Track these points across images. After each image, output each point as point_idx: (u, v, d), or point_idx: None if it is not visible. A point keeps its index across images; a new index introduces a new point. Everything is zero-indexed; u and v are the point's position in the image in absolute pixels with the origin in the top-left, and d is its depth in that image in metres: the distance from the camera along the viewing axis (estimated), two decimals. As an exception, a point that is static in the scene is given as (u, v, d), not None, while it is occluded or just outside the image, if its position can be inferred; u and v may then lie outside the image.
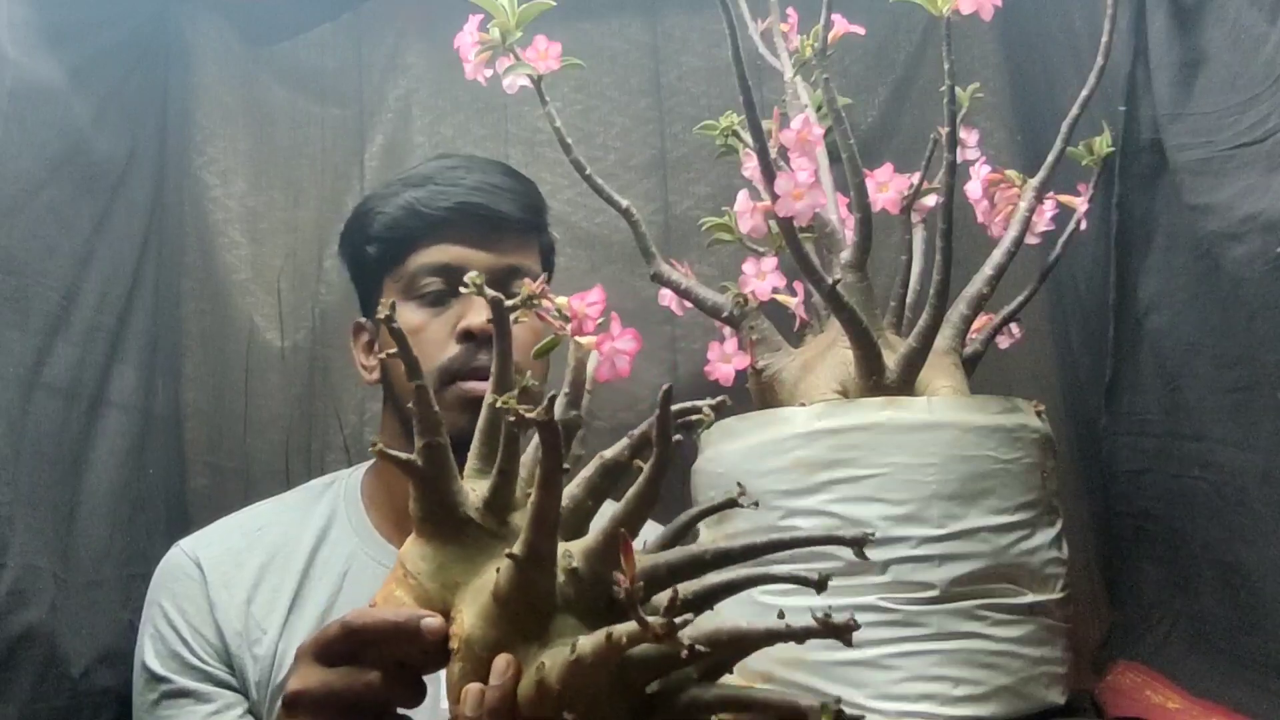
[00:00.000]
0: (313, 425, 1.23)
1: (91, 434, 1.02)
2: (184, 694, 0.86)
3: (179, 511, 1.17)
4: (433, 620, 0.56)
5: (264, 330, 1.24)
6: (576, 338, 0.70)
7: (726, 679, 0.76)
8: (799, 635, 0.50)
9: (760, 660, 0.77)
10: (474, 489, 0.58)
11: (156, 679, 0.87)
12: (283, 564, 0.92)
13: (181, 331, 1.23)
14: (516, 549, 0.53)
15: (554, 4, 0.82)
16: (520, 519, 0.58)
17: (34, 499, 0.90)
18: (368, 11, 1.30)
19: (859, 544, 0.53)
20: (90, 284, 1.03)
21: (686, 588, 0.54)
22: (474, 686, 0.54)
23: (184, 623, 0.89)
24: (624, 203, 0.87)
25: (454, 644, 0.55)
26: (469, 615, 0.55)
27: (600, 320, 0.73)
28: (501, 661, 0.54)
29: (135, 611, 0.94)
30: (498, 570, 0.55)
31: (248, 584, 0.91)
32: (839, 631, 0.48)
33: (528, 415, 0.52)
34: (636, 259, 0.90)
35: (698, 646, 0.49)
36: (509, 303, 0.60)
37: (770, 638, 0.51)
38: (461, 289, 0.62)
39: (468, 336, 0.90)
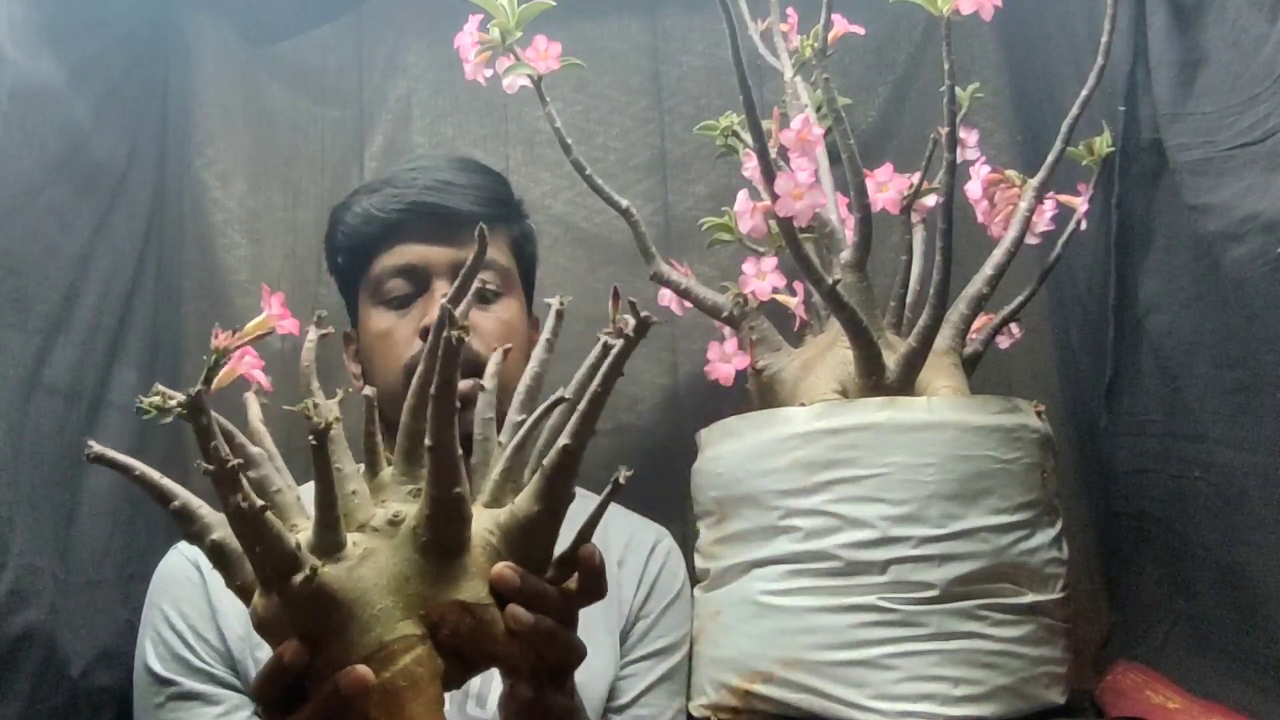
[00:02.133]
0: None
1: (91, 434, 1.01)
2: (191, 696, 0.86)
3: (179, 512, 1.17)
4: (290, 647, 0.54)
5: (264, 331, 1.24)
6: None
7: (720, 673, 0.76)
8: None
9: (760, 661, 0.78)
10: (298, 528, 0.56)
11: (162, 682, 0.87)
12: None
13: (181, 332, 1.23)
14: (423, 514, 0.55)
15: (554, 4, 0.82)
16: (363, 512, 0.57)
17: (34, 499, 0.89)
18: (368, 12, 1.30)
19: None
20: (90, 284, 1.03)
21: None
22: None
23: (186, 626, 0.89)
24: (624, 203, 0.87)
25: (463, 621, 0.55)
26: (460, 590, 0.55)
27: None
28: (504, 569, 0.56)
29: (135, 611, 0.94)
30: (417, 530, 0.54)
31: (247, 586, 0.91)
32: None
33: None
34: (636, 259, 0.90)
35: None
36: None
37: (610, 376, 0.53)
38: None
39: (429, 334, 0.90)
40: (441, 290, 0.91)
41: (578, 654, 0.61)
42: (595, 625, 0.91)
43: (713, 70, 1.26)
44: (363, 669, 0.52)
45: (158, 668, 0.88)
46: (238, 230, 1.26)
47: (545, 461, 0.56)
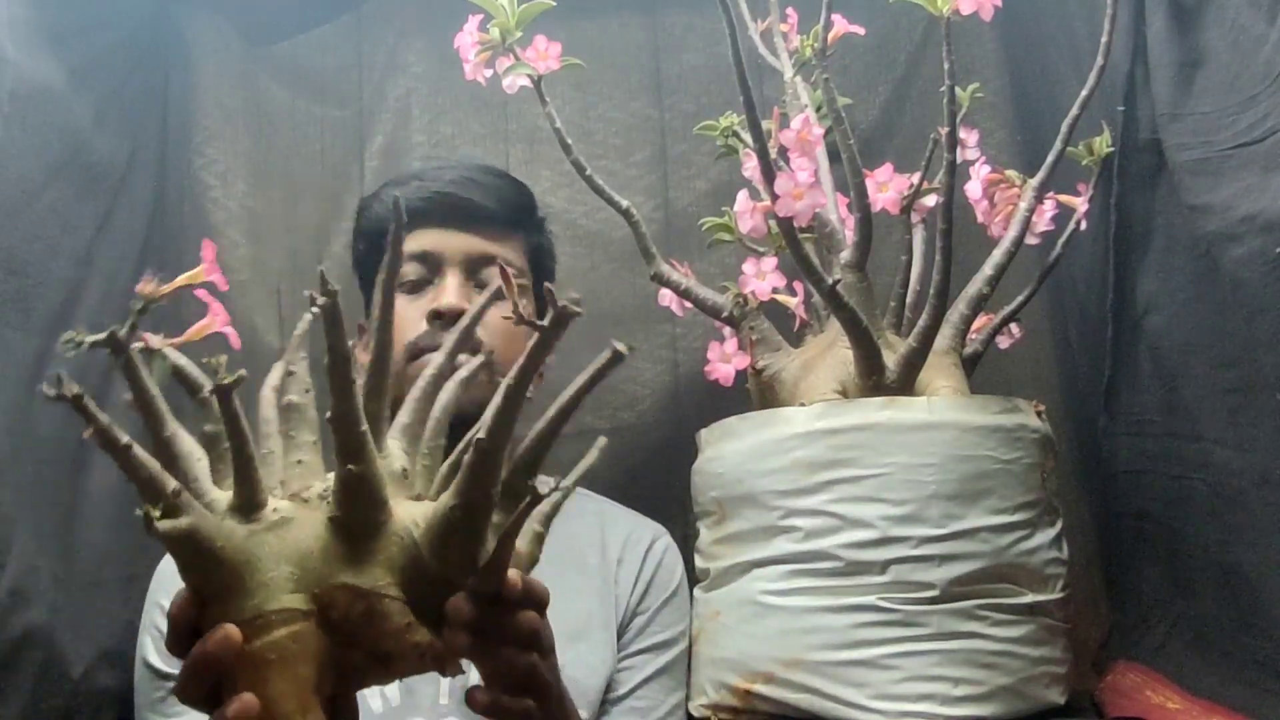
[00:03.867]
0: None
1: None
2: None
3: (179, 512, 1.17)
4: (177, 598, 0.53)
5: (264, 331, 1.23)
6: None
7: (720, 673, 0.76)
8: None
9: (760, 661, 0.78)
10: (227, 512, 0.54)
11: (162, 676, 0.87)
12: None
13: (183, 332, 1.23)
14: (339, 469, 0.52)
15: (554, 4, 0.82)
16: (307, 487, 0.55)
17: (35, 499, 0.89)
18: (368, 11, 1.30)
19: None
20: (92, 285, 1.03)
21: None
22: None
23: None
24: (624, 203, 0.87)
25: (362, 605, 0.52)
26: (353, 578, 0.52)
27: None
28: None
29: (135, 612, 0.94)
30: (329, 518, 0.52)
31: (247, 584, 0.91)
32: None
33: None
34: (637, 257, 0.90)
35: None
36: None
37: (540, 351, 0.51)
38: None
39: (436, 316, 0.92)
40: (453, 279, 0.93)
41: (534, 672, 0.57)
42: (592, 620, 0.91)
43: (713, 68, 1.26)
44: (232, 630, 0.50)
45: (157, 662, 0.88)
46: (238, 230, 1.25)
47: (465, 458, 0.53)
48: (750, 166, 0.88)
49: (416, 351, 0.92)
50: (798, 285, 0.93)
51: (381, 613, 0.52)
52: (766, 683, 0.77)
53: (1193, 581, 0.89)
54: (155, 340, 0.60)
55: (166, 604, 0.89)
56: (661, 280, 0.89)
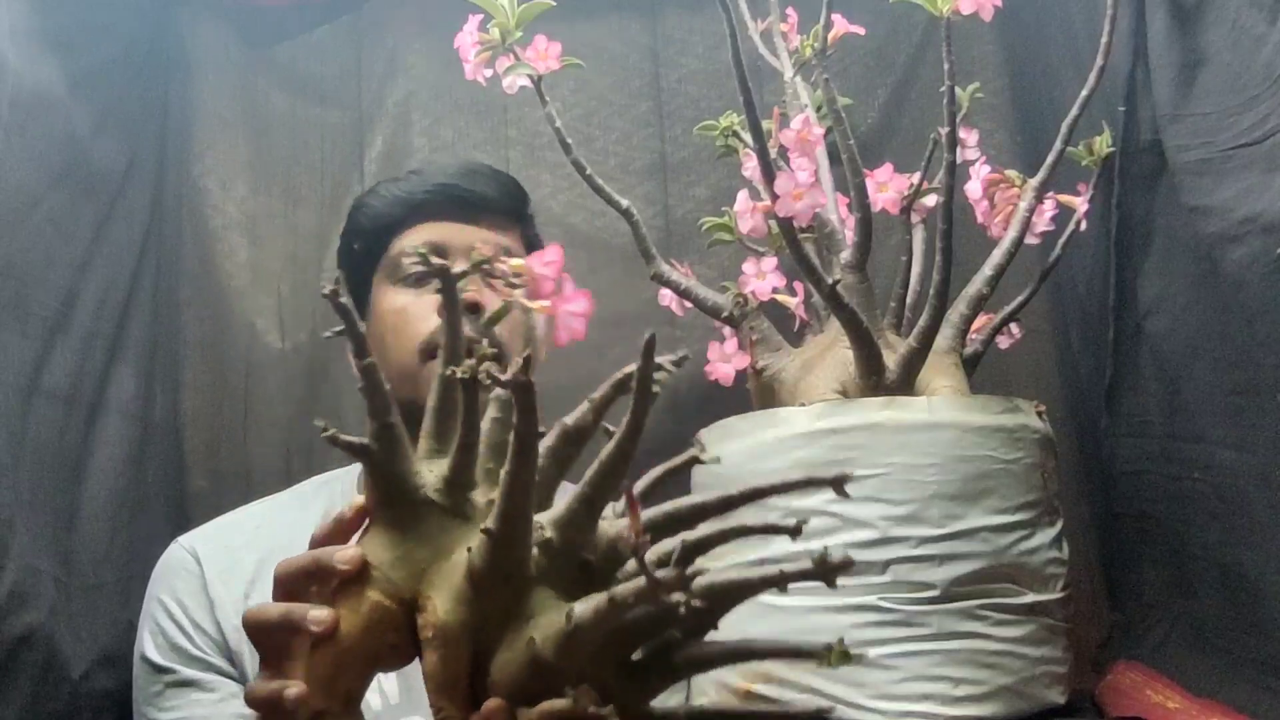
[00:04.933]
0: (313, 427, 1.23)
1: (91, 439, 1.02)
2: (188, 684, 0.86)
3: (178, 515, 1.17)
4: (321, 613, 0.54)
5: (264, 334, 1.24)
6: (527, 302, 0.67)
7: (720, 673, 0.76)
8: (792, 578, 0.49)
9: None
10: (430, 470, 0.55)
11: (159, 670, 0.87)
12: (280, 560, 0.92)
13: (180, 338, 1.23)
14: (491, 522, 0.50)
15: (554, 4, 0.82)
16: (482, 495, 0.55)
17: (34, 503, 0.90)
18: (367, 15, 1.30)
19: (840, 483, 0.50)
20: (89, 290, 1.03)
21: (670, 543, 0.52)
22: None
23: (185, 616, 0.89)
24: (624, 203, 0.87)
25: (428, 633, 0.51)
26: (440, 600, 0.52)
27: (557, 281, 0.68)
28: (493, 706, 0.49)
29: (135, 614, 0.94)
30: (469, 550, 0.52)
31: (245, 579, 0.91)
32: (832, 571, 0.47)
33: (502, 378, 0.49)
34: (636, 261, 0.90)
35: (695, 601, 0.47)
36: (456, 269, 0.57)
37: (765, 584, 0.49)
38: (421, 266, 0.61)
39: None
40: (459, 270, 0.93)
41: None
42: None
43: (713, 73, 1.26)
44: (359, 557, 0.52)
45: (155, 657, 0.88)
46: (237, 235, 1.26)
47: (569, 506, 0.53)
48: (750, 166, 0.88)
49: (432, 350, 0.91)
50: (798, 285, 0.92)
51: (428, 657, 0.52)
52: (767, 682, 0.77)
53: (1193, 581, 0.89)
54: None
55: (167, 600, 0.90)
56: (661, 280, 0.89)
